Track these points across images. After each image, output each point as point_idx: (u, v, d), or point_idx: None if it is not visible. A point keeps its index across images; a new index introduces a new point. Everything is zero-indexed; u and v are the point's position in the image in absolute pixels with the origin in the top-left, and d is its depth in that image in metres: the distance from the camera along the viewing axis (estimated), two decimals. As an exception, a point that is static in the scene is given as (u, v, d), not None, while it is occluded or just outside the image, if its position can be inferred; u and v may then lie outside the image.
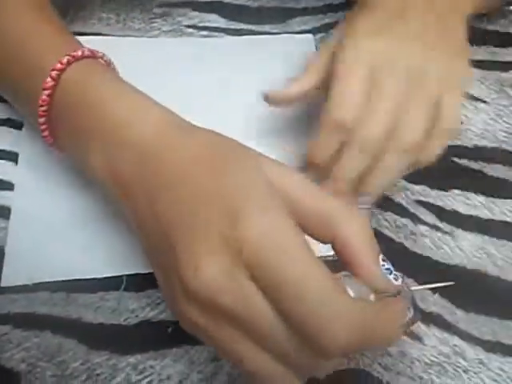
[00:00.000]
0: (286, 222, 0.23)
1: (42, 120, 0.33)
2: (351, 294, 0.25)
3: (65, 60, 0.32)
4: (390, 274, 0.26)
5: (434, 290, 0.37)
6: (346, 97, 0.34)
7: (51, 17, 0.37)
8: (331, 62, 0.36)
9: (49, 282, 0.36)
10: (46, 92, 0.32)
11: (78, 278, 0.36)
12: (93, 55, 0.34)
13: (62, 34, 0.36)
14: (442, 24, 0.36)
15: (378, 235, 0.40)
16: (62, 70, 0.32)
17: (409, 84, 0.34)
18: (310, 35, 0.49)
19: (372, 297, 0.26)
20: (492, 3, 0.49)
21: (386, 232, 0.40)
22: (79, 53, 0.33)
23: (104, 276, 0.36)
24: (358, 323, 0.22)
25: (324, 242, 0.26)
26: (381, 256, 0.26)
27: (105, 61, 0.35)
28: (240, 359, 0.23)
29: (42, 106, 0.33)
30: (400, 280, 0.27)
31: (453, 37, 0.37)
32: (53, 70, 0.32)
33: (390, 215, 0.41)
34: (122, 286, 0.36)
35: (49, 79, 0.32)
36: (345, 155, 0.34)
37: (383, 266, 0.26)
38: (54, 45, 0.34)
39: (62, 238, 0.38)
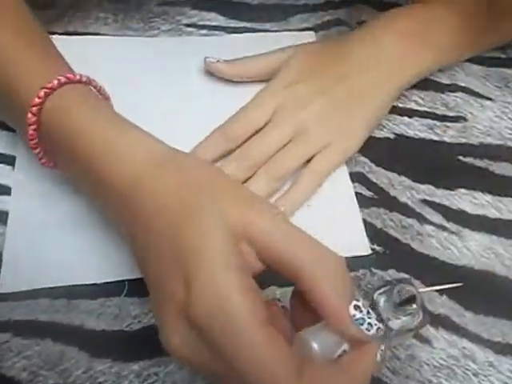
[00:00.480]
0: (234, 289, 0.24)
1: (35, 151, 0.34)
2: (316, 348, 0.25)
3: (41, 93, 0.31)
4: (362, 324, 0.25)
5: (441, 291, 0.36)
6: (247, 116, 0.40)
7: (35, 41, 0.35)
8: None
9: (49, 288, 0.35)
10: (32, 127, 0.32)
11: (78, 283, 0.35)
12: (72, 80, 0.32)
13: (43, 60, 0.34)
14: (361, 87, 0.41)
15: (384, 236, 0.39)
16: (40, 104, 0.31)
17: (296, 132, 0.40)
18: (311, 32, 0.48)
19: (346, 346, 0.26)
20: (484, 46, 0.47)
21: (392, 232, 0.40)
22: (55, 83, 0.31)
23: (105, 281, 0.36)
24: None
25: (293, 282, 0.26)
26: (354, 303, 0.25)
27: (87, 83, 0.34)
28: None
29: (31, 139, 0.33)
30: (375, 328, 0.25)
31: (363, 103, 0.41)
32: (33, 105, 0.31)
33: (395, 215, 0.40)
34: (124, 292, 0.35)
35: (30, 115, 0.31)
36: (224, 162, 0.39)
37: (354, 316, 0.25)
38: (32, 76, 0.33)
39: (61, 243, 0.37)
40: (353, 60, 0.42)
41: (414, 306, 0.29)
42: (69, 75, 0.32)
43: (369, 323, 0.25)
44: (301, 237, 0.26)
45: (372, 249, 0.39)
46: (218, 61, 0.43)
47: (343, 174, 0.42)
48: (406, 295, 0.28)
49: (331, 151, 0.40)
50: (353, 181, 0.42)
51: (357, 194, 0.41)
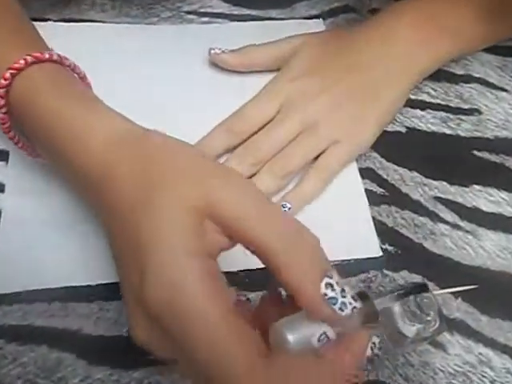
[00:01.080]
0: (191, 274, 0.22)
1: (9, 136, 0.32)
2: (290, 338, 0.23)
3: (7, 75, 0.29)
4: (335, 303, 0.23)
5: (456, 294, 0.35)
6: (253, 110, 0.39)
7: (5, 19, 0.33)
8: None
9: (44, 291, 0.33)
10: (2, 110, 0.30)
11: (74, 284, 0.34)
12: (41, 59, 0.30)
13: (11, 40, 0.32)
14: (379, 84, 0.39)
15: (395, 235, 0.38)
16: (7, 86, 0.30)
17: (304, 128, 0.38)
18: (319, 20, 0.46)
19: (331, 334, 0.24)
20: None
21: (404, 231, 0.38)
22: (22, 63, 0.29)
23: (102, 283, 0.34)
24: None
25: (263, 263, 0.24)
26: (326, 280, 0.23)
27: (58, 61, 0.31)
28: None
29: (3, 123, 0.31)
30: (350, 308, 0.23)
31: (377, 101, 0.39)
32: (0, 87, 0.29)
33: (407, 213, 0.38)
34: (124, 295, 0.33)
35: None
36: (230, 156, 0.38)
37: (326, 294, 0.23)
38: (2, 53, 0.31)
39: (56, 242, 0.35)
40: (364, 52, 0.40)
41: (432, 313, 0.27)
42: (37, 54, 0.30)
43: (342, 302, 0.23)
44: (270, 212, 0.24)
45: (383, 249, 0.37)
46: (222, 51, 0.41)
47: (353, 170, 0.40)
48: (424, 303, 0.27)
49: (340, 148, 0.38)
50: (362, 177, 0.40)
51: (367, 190, 0.39)
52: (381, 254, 0.37)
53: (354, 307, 0.23)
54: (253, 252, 0.24)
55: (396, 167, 0.40)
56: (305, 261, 0.23)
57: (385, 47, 0.40)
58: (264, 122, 0.38)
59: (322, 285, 0.23)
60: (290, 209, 0.36)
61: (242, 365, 0.21)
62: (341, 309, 0.23)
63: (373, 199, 0.39)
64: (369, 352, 0.24)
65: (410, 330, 0.27)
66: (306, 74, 0.39)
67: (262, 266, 0.25)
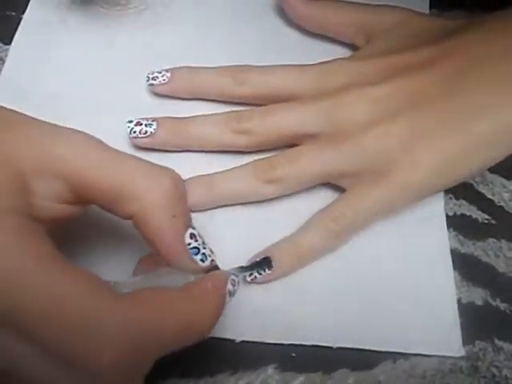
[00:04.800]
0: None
1: None
2: None
3: None
4: (197, 254, 0.22)
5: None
6: (282, 73, 0.29)
7: None
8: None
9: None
10: None
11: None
12: None
13: None
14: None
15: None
16: None
17: (333, 130, 0.26)
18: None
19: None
20: None
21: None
22: None
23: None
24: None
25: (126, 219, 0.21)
26: (190, 231, 0.22)
27: None
28: None
29: None
30: (209, 260, 0.22)
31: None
32: None
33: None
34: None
35: None
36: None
37: (189, 244, 0.22)
38: None
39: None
40: (477, 52, 0.26)
41: None
42: None
43: (203, 253, 0.22)
44: (119, 158, 0.21)
45: (492, 308, 0.25)
46: None
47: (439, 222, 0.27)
48: None
49: (377, 185, 0.25)
50: (455, 196, 0.28)
51: (462, 216, 0.27)
52: (462, 353, 0.24)
53: (213, 260, 0.22)
54: (103, 207, 0.21)
55: (505, 181, 0.28)
56: (167, 207, 0.21)
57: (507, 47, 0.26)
58: (286, 95, 0.28)
59: (187, 235, 0.22)
60: (269, 268, 0.25)
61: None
62: (202, 260, 0.22)
63: (473, 231, 0.27)
64: (230, 286, 0.22)
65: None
66: (377, 58, 0.28)
67: None
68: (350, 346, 0.24)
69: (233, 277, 0.23)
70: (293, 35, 0.32)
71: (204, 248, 0.22)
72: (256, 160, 0.27)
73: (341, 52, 0.31)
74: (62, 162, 0.20)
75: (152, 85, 0.29)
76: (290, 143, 0.27)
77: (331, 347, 0.24)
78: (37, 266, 0.18)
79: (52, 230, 0.21)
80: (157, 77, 0.29)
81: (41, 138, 0.21)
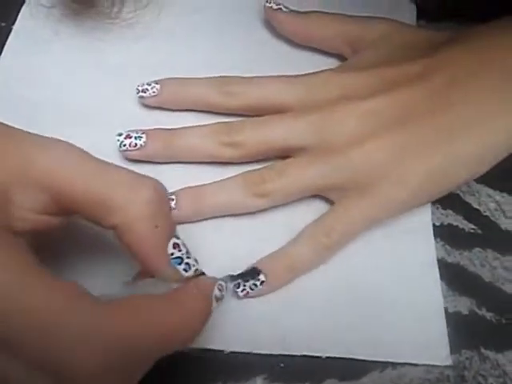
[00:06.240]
0: None
1: None
2: None
3: None
4: (180, 263, 0.22)
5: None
6: (271, 87, 0.29)
7: None
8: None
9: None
10: None
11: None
12: None
13: None
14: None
15: (497, 294, 0.26)
16: None
17: (319, 142, 0.27)
18: (413, 6, 0.34)
19: None
20: None
21: (510, 289, 0.26)
22: None
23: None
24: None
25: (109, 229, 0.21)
26: (174, 240, 0.22)
27: None
28: None
29: None
30: (193, 270, 0.22)
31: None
32: None
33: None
34: None
35: None
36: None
37: (172, 254, 0.22)
38: None
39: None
40: (464, 65, 0.27)
41: None
42: None
43: (187, 263, 0.22)
44: (100, 167, 0.21)
45: (478, 316, 0.25)
46: (280, 8, 0.31)
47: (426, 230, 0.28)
48: None
49: (371, 196, 0.26)
50: (442, 206, 0.28)
51: (449, 226, 0.27)
52: (449, 362, 0.24)
53: (197, 269, 0.22)
54: (86, 217, 0.21)
55: (491, 191, 0.28)
56: (150, 218, 0.21)
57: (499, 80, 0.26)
58: (275, 106, 0.28)
59: (170, 245, 0.22)
60: (261, 283, 0.25)
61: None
62: (185, 270, 0.22)
63: (459, 240, 0.27)
64: (217, 292, 0.22)
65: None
66: (366, 71, 0.28)
67: None
68: (338, 356, 0.24)
69: (220, 282, 0.23)
70: (281, 46, 0.33)
71: (188, 257, 0.22)
72: (245, 172, 0.27)
73: (328, 62, 0.32)
74: (47, 174, 0.20)
75: (142, 97, 0.29)
76: (280, 155, 0.27)
77: (320, 357, 0.24)
78: (20, 280, 0.18)
79: (31, 241, 0.20)
80: (147, 89, 0.29)
81: (24, 148, 0.20)
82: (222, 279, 0.23)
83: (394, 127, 0.26)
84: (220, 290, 0.22)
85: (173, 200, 0.26)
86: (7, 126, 0.21)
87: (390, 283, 0.26)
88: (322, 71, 0.29)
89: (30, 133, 0.21)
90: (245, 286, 0.25)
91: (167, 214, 0.22)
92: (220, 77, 0.29)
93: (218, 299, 0.22)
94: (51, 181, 0.20)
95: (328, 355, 0.24)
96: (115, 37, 0.33)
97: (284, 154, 0.27)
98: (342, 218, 0.26)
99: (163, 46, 0.33)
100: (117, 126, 0.28)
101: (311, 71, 0.29)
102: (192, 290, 0.21)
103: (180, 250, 0.22)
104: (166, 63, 0.32)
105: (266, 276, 0.25)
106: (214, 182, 0.27)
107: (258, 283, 0.25)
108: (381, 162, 0.25)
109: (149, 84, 0.29)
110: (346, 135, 0.26)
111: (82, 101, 0.30)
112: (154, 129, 0.28)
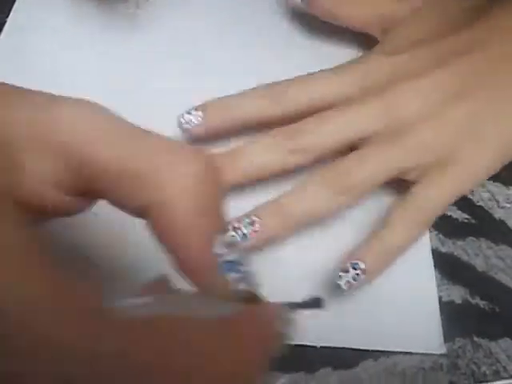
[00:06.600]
0: None
1: None
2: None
3: None
4: (232, 270, 0.16)
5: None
6: (320, 82, 0.27)
7: None
8: None
9: None
10: None
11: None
12: None
13: None
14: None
15: (490, 283, 0.26)
16: None
17: (388, 128, 0.26)
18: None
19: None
20: None
21: (502, 278, 0.26)
22: None
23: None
24: None
25: (141, 217, 0.16)
26: (226, 237, 0.16)
27: None
28: None
29: None
30: (251, 281, 0.16)
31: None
32: None
33: (505, 250, 0.27)
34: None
35: None
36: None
37: (222, 255, 0.15)
38: None
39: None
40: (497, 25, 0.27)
41: None
42: None
43: (238, 269, 0.16)
44: (136, 132, 0.16)
45: (471, 304, 0.25)
46: None
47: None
48: None
49: (450, 175, 0.25)
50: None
51: (444, 217, 0.27)
52: (443, 351, 0.25)
53: (256, 283, 0.16)
54: (110, 197, 0.16)
55: (484, 181, 0.29)
56: (196, 201, 0.16)
57: None
58: (329, 104, 0.27)
59: (221, 241, 0.16)
60: (363, 272, 0.24)
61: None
62: (239, 281, 0.16)
63: (453, 230, 0.27)
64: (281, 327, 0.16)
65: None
66: (416, 48, 0.27)
67: None
68: (332, 345, 0.24)
69: (286, 314, 0.17)
70: (301, 41, 0.33)
71: (241, 264, 0.16)
72: (318, 172, 0.25)
73: (353, 54, 0.31)
74: (61, 130, 0.15)
75: (187, 130, 0.26)
76: (344, 151, 0.26)
77: (314, 347, 0.24)
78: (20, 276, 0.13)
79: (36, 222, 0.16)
80: (190, 119, 0.26)
81: (35, 97, 0.16)
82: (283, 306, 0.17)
83: (458, 98, 0.25)
84: (286, 325, 0.17)
85: (255, 221, 0.23)
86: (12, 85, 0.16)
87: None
88: (365, 58, 0.28)
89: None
90: (347, 278, 0.23)
91: (218, 199, 0.17)
92: (264, 85, 0.27)
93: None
94: (67, 141, 0.15)
95: (322, 344, 0.24)
96: (113, 26, 0.33)
97: (347, 149, 0.26)
98: (430, 195, 0.25)
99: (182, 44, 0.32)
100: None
101: (334, 64, 0.29)
102: (252, 323, 0.15)
103: (234, 252, 0.16)
104: (170, 55, 0.32)
105: (365, 264, 0.24)
106: (291, 190, 0.25)
107: (359, 272, 0.23)
108: (453, 134, 0.25)
109: (189, 113, 0.26)
110: (411, 115, 0.25)
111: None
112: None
